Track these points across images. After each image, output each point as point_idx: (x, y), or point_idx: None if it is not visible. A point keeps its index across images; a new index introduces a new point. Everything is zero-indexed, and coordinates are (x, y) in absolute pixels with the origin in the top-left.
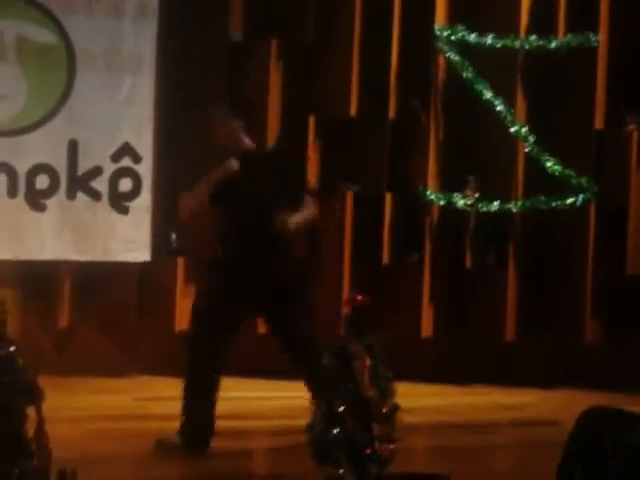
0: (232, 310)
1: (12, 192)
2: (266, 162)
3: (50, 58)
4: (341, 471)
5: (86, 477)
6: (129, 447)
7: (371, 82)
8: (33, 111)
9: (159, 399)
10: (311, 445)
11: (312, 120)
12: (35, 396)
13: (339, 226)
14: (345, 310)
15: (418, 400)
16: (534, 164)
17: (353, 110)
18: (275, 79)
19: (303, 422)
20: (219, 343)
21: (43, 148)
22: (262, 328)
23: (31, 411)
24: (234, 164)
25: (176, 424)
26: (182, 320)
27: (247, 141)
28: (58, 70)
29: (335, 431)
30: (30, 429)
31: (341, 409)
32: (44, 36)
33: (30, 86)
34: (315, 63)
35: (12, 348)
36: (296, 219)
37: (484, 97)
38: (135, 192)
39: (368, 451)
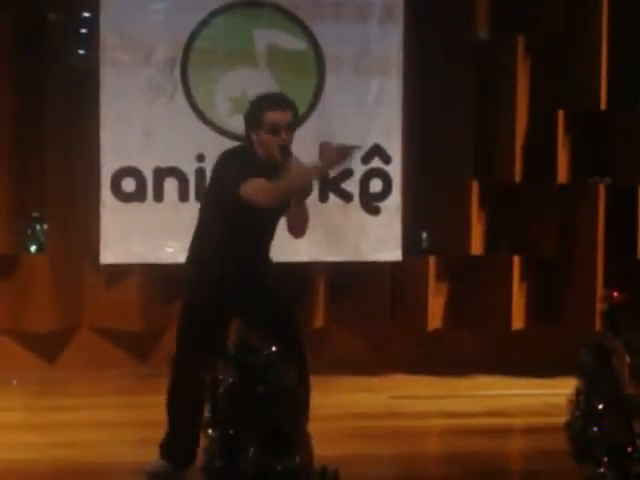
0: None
1: None
2: None
3: (300, 64)
4: (601, 470)
5: (345, 476)
6: (387, 446)
7: (622, 74)
8: None
9: (414, 397)
10: (570, 443)
11: (561, 115)
12: (297, 395)
13: (591, 220)
14: (601, 306)
15: None
16: None
17: (603, 103)
18: (522, 75)
19: (561, 420)
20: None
21: (295, 152)
22: (518, 323)
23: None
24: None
25: (430, 422)
26: (435, 319)
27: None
28: (308, 75)
29: (595, 429)
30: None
31: (600, 407)
32: (294, 43)
33: (281, 92)
34: (563, 57)
35: (273, 348)
36: None
37: None
38: (385, 192)
39: (629, 449)
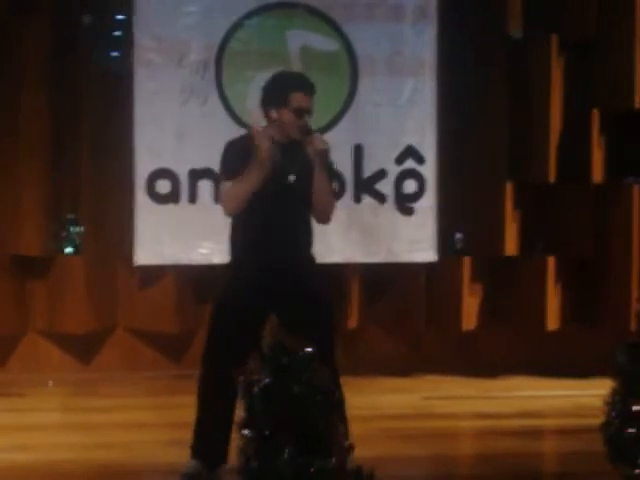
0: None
1: None
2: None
3: (333, 65)
4: (637, 471)
5: (380, 477)
6: (420, 447)
7: None
8: (319, 118)
9: (448, 398)
10: (605, 445)
11: (596, 114)
12: (333, 395)
13: (626, 221)
14: (636, 307)
15: None
16: None
17: (638, 103)
18: (556, 75)
19: (596, 421)
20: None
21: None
22: (553, 324)
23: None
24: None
25: (464, 423)
26: (469, 319)
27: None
28: (341, 77)
29: (630, 430)
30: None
31: (636, 408)
32: (327, 44)
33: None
34: (597, 57)
35: (309, 349)
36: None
37: None
38: (419, 193)
39: None
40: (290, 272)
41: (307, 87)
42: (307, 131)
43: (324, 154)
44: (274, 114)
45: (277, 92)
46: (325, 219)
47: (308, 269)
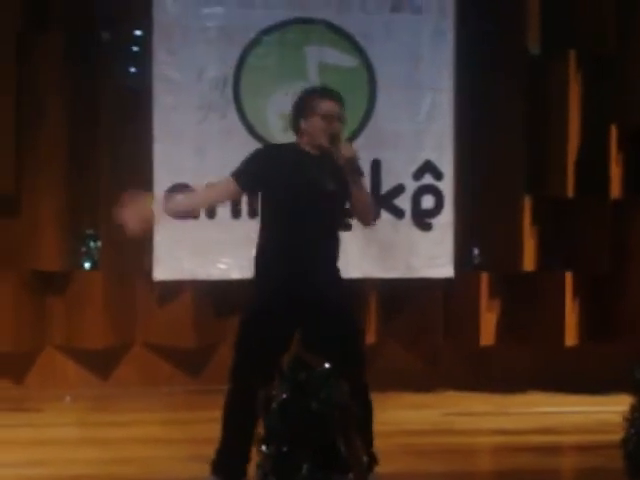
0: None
1: None
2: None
3: (352, 81)
4: None
5: None
6: (439, 463)
7: None
8: None
9: (466, 414)
10: (625, 461)
11: (614, 129)
12: (350, 411)
13: None
14: None
15: None
16: None
17: None
18: (574, 90)
19: (615, 437)
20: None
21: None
22: (571, 340)
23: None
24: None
25: (482, 439)
26: (487, 335)
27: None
28: (360, 92)
29: None
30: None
31: None
32: (346, 60)
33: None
34: (615, 72)
35: (327, 365)
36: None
37: None
38: (437, 209)
39: None
40: (315, 287)
41: (335, 95)
42: (335, 138)
43: (352, 161)
44: (303, 124)
45: (305, 102)
46: (367, 222)
47: (333, 284)
